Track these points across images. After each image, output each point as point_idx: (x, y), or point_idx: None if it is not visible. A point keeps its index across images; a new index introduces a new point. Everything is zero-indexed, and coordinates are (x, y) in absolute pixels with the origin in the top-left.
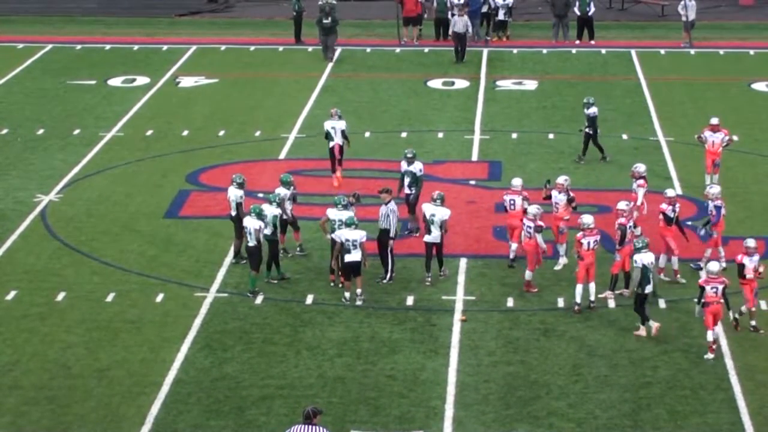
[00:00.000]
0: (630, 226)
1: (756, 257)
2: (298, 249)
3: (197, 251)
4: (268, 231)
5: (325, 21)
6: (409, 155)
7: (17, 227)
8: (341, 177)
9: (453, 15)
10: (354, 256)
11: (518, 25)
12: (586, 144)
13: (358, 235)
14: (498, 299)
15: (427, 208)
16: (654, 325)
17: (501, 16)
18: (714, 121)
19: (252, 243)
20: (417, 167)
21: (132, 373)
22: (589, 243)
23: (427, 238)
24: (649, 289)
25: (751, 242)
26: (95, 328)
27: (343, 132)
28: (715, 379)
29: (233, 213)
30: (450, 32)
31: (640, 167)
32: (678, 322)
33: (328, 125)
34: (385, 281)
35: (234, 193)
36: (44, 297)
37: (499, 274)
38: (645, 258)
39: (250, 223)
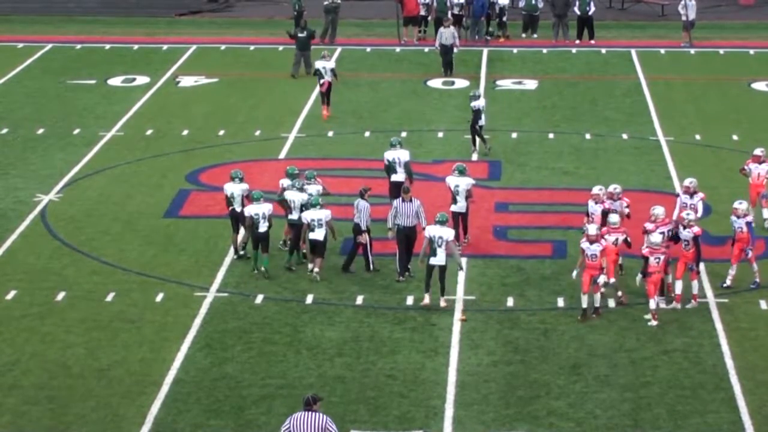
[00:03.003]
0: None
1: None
2: (281, 243)
3: (197, 251)
4: (294, 216)
5: (300, 35)
6: (393, 143)
7: (17, 227)
8: (328, 113)
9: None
10: (317, 234)
11: (517, 24)
12: (479, 136)
13: (323, 214)
14: (498, 299)
15: (451, 180)
16: (426, 296)
17: (505, 17)
18: (758, 151)
19: (264, 228)
20: (404, 154)
21: (132, 373)
22: (617, 240)
23: (453, 208)
24: (433, 261)
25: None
26: (95, 328)
27: (332, 70)
28: (715, 378)
29: (238, 208)
30: (437, 44)
31: (694, 181)
32: (678, 321)
33: (319, 65)
34: (403, 278)
35: (240, 188)
36: (44, 296)
37: (499, 274)
38: (433, 230)
39: (261, 208)
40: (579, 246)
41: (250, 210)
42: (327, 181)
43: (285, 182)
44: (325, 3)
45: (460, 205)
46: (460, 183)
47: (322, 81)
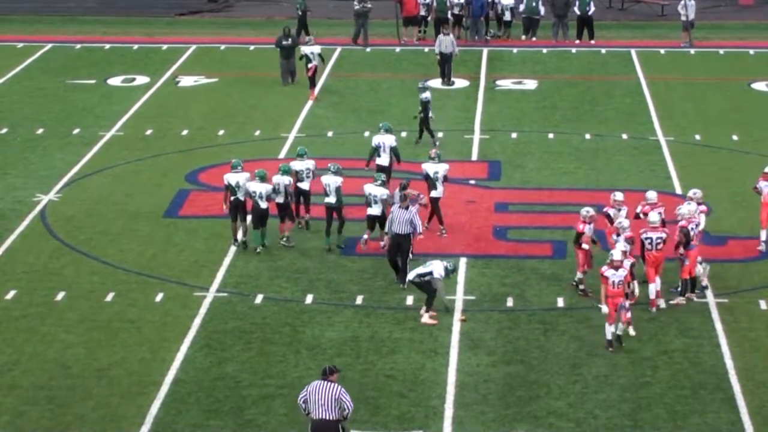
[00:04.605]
0: (692, 227)
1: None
2: (283, 240)
3: (196, 251)
4: (332, 200)
5: (285, 42)
6: (383, 127)
7: (17, 227)
8: (315, 95)
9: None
10: (374, 210)
11: (516, 25)
12: (420, 128)
13: (381, 191)
14: (498, 299)
15: (429, 167)
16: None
17: (507, 16)
18: None
19: (264, 205)
20: (389, 139)
21: (131, 373)
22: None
23: (433, 194)
24: (410, 275)
25: (590, 210)
26: (95, 328)
27: (319, 55)
28: (715, 379)
29: (242, 197)
30: (436, 52)
31: (699, 192)
32: (678, 321)
33: (306, 50)
34: (404, 285)
35: (244, 176)
36: (43, 296)
37: (498, 274)
38: (438, 264)
39: (260, 187)
40: (601, 274)
41: (252, 187)
42: None
43: (278, 178)
44: (356, 7)
45: (440, 191)
46: (439, 169)
47: (309, 65)
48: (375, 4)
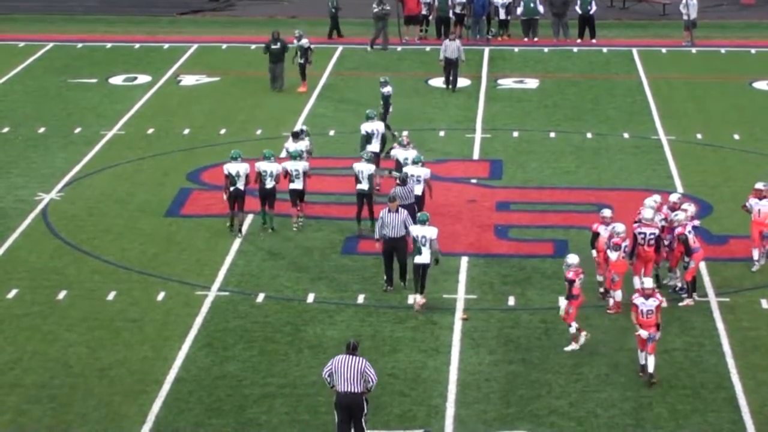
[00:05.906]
0: (689, 231)
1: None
2: (300, 222)
3: (198, 250)
4: (365, 186)
5: (273, 47)
6: (371, 115)
7: (18, 226)
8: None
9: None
10: (417, 190)
11: (518, 23)
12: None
13: (423, 171)
14: (499, 298)
15: (400, 153)
16: (418, 296)
17: (502, 15)
18: (759, 185)
19: (271, 185)
20: (381, 126)
21: (133, 372)
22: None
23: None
24: (418, 260)
25: (607, 212)
26: (96, 327)
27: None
28: (716, 378)
29: (241, 187)
30: (440, 57)
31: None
32: (679, 320)
33: (305, 44)
34: (391, 288)
35: (244, 167)
36: (45, 295)
37: (500, 273)
38: (416, 230)
39: (271, 166)
40: (631, 301)
41: (260, 166)
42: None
43: (289, 165)
44: (375, 10)
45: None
46: (409, 156)
47: (310, 59)
48: None
